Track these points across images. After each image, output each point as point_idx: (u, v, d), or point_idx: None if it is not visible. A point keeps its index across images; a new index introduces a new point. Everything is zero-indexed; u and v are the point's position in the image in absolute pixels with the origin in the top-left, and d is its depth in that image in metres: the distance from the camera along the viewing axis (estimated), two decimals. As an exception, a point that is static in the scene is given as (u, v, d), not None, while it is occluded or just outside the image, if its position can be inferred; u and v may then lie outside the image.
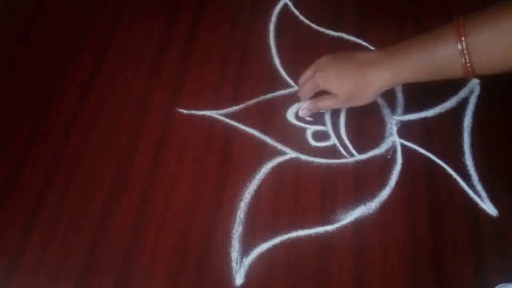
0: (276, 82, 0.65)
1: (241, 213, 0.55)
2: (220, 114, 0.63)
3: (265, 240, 0.54)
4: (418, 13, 0.71)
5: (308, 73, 0.58)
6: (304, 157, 0.60)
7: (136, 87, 0.66)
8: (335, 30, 0.70)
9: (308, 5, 0.73)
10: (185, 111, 0.63)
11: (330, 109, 0.62)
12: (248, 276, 0.52)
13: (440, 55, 0.49)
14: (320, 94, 0.58)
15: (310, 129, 0.62)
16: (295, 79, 0.66)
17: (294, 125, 0.62)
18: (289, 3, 0.73)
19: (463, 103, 0.63)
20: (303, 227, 0.55)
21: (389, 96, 0.64)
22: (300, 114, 0.61)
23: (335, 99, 0.56)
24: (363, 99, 0.55)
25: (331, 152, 0.60)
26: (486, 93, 0.63)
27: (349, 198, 0.56)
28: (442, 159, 0.59)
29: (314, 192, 0.57)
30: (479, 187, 0.57)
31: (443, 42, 0.48)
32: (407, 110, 0.63)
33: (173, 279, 0.52)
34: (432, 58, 0.49)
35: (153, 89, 0.65)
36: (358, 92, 0.54)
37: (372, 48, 0.68)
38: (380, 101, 0.64)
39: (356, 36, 0.69)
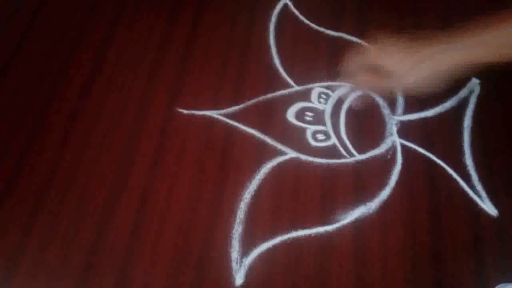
0: (276, 82, 0.65)
1: (241, 213, 0.55)
2: (220, 114, 0.63)
3: (265, 240, 0.54)
4: (418, 13, 0.71)
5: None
6: (304, 157, 0.60)
7: (136, 87, 0.66)
8: (335, 30, 0.70)
9: (308, 5, 0.73)
10: (185, 111, 0.63)
11: (381, 90, 0.59)
12: (248, 276, 0.52)
13: (505, 39, 0.48)
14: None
15: (310, 129, 0.62)
16: (295, 79, 0.66)
17: (294, 125, 0.62)
18: (289, 3, 0.73)
19: (463, 103, 0.63)
20: (303, 227, 0.55)
21: (389, 96, 0.64)
22: (353, 102, 0.58)
23: (379, 75, 0.52)
24: (404, 78, 0.51)
25: (331, 152, 0.60)
26: (486, 93, 0.63)
27: (349, 198, 0.56)
28: (442, 159, 0.59)
29: (314, 192, 0.57)
30: (479, 187, 0.57)
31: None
32: (407, 110, 0.63)
33: (173, 279, 0.52)
34: (498, 38, 0.48)
35: (153, 89, 0.65)
36: (402, 67, 0.51)
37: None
38: (380, 101, 0.64)
39: (356, 36, 0.69)
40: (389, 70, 0.52)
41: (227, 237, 0.54)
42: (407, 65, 0.51)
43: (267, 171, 0.58)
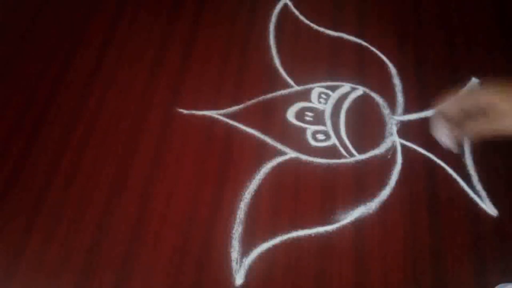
0: (276, 82, 0.65)
1: (241, 213, 0.55)
2: (220, 114, 0.63)
3: (265, 240, 0.54)
4: (418, 13, 0.71)
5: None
6: (304, 157, 0.60)
7: (136, 87, 0.66)
8: (335, 30, 0.70)
9: (308, 5, 0.73)
10: (185, 111, 0.63)
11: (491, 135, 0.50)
12: (248, 276, 0.52)
13: None
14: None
15: (310, 129, 0.62)
16: (295, 79, 0.66)
17: (294, 125, 0.62)
18: (289, 3, 0.73)
19: (463, 103, 0.63)
20: (303, 227, 0.55)
21: (389, 96, 0.64)
22: (444, 142, 0.49)
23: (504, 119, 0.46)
24: None
25: (331, 152, 0.60)
26: (486, 93, 0.63)
27: (349, 198, 0.56)
28: (442, 159, 0.59)
29: (314, 192, 0.57)
30: (479, 187, 0.57)
31: None
32: (407, 110, 0.63)
33: (173, 279, 0.52)
34: None
35: (153, 89, 0.65)
36: None
37: (372, 48, 0.68)
38: (380, 101, 0.64)
39: (356, 36, 0.69)
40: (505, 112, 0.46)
41: (227, 237, 0.54)
42: None
43: (267, 171, 0.58)
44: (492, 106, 0.46)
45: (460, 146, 0.49)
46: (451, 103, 0.49)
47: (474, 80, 0.64)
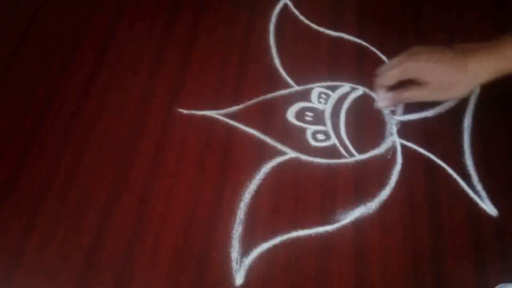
0: (276, 82, 0.65)
1: (241, 213, 0.55)
2: (220, 114, 0.63)
3: (265, 240, 0.54)
4: (418, 12, 0.71)
5: (395, 60, 0.55)
6: (304, 157, 0.60)
7: (136, 87, 0.66)
8: (335, 30, 0.70)
9: (308, 5, 0.73)
10: (185, 111, 0.63)
11: (413, 101, 0.59)
12: (248, 276, 0.52)
13: None
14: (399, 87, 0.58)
15: (310, 129, 0.62)
16: (295, 79, 0.66)
17: (294, 125, 0.62)
18: (289, 3, 0.73)
19: (463, 103, 0.63)
20: (303, 227, 0.55)
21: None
22: (380, 105, 0.58)
23: (424, 89, 0.52)
24: (456, 91, 0.52)
25: (331, 152, 0.60)
26: (486, 93, 0.63)
27: (349, 198, 0.56)
28: (442, 159, 0.59)
29: (314, 192, 0.57)
30: (479, 187, 0.57)
31: None
32: (407, 110, 0.63)
33: (173, 279, 0.52)
34: None
35: (153, 89, 0.65)
36: (453, 81, 0.51)
37: (372, 48, 0.68)
38: (380, 101, 0.64)
39: (356, 36, 0.69)
40: (438, 82, 0.52)
41: (227, 237, 0.54)
42: (457, 76, 0.51)
43: (267, 171, 0.58)
44: (421, 78, 0.53)
45: (397, 108, 0.60)
46: (388, 74, 0.56)
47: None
